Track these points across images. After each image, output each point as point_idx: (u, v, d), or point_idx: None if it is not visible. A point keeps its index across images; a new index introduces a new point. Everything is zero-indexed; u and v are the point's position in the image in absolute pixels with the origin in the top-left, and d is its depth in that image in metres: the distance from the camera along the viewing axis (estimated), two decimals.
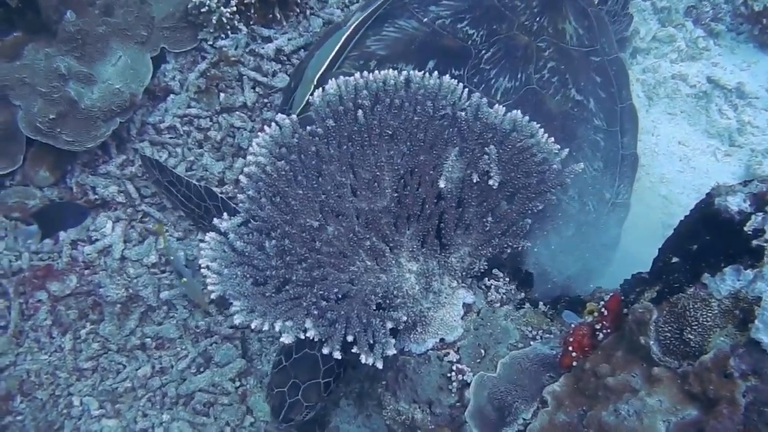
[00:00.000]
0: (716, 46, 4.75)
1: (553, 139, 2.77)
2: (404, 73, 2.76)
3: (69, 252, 3.95)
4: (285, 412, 3.01)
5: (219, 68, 4.26)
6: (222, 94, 4.26)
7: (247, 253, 2.53)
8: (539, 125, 2.89)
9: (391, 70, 2.76)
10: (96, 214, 4.08)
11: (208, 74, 4.24)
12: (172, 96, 4.28)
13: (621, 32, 4.42)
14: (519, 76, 3.43)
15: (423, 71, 3.04)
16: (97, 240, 4.02)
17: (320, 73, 3.41)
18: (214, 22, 4.20)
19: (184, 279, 3.75)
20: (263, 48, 4.31)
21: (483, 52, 3.47)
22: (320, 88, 2.71)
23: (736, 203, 2.20)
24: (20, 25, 3.89)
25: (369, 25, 3.61)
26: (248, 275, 2.52)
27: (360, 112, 2.68)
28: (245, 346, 3.91)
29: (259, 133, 2.68)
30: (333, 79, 2.72)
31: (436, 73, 2.78)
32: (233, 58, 4.25)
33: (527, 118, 2.74)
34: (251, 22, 4.35)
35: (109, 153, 4.15)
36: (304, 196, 2.62)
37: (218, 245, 2.55)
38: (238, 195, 2.64)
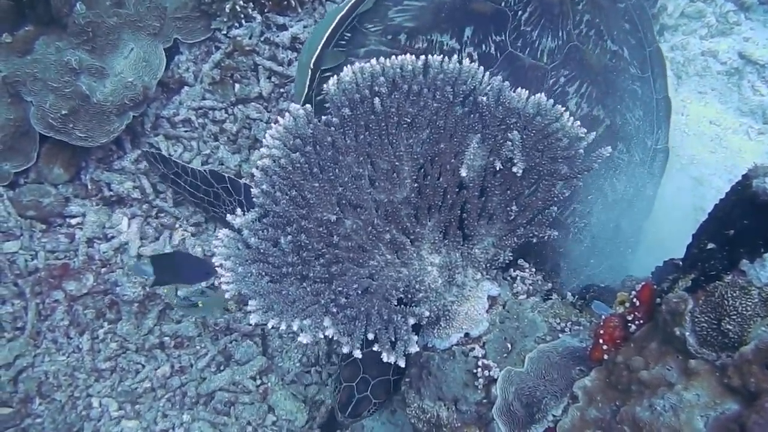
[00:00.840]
0: (747, 20, 4.57)
1: (579, 123, 2.64)
2: (422, 57, 2.65)
3: (85, 250, 3.90)
4: (353, 408, 2.96)
5: (233, 58, 4.18)
6: (237, 85, 4.19)
7: (262, 250, 2.44)
8: (585, 81, 3.03)
9: (408, 55, 2.64)
10: (112, 210, 4.02)
11: (223, 65, 4.17)
12: (186, 88, 4.21)
13: (648, 9, 4.28)
14: (560, 34, 3.26)
15: (461, 45, 3.12)
16: (113, 237, 3.97)
17: (316, 54, 3.21)
18: (227, 10, 4.11)
19: (200, 303, 3.53)
20: (278, 36, 4.22)
21: (520, 12, 3.26)
22: (334, 76, 2.61)
23: None
24: (31, 19, 3.82)
25: None
26: (264, 273, 2.43)
27: (377, 100, 2.57)
28: (265, 343, 3.84)
29: (272, 125, 2.59)
30: (348, 66, 2.61)
31: (455, 56, 2.66)
32: (248, 48, 4.16)
33: (552, 101, 2.62)
34: (265, 10, 4.26)
35: (123, 148, 4.09)
36: (320, 188, 2.52)
37: (232, 242, 2.46)
38: (253, 189, 2.55)
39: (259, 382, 3.75)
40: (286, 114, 2.57)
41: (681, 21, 4.48)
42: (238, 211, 2.53)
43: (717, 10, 4.47)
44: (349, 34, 3.33)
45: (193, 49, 4.26)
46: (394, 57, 2.63)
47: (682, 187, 3.88)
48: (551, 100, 2.62)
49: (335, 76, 2.60)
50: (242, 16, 4.17)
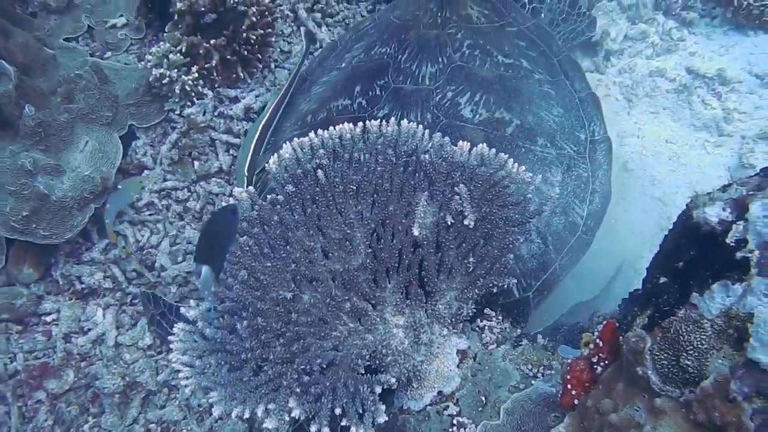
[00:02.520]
0: (691, 35, 4.64)
1: (524, 168, 2.67)
2: (360, 124, 2.68)
3: (63, 346, 3.89)
4: None
5: (190, 137, 4.20)
6: (196, 162, 4.21)
7: (219, 339, 2.44)
8: (478, 91, 3.38)
9: (346, 124, 2.68)
10: (85, 303, 4.01)
11: (180, 144, 4.19)
12: (146, 172, 4.23)
13: (583, 33, 4.40)
14: (440, 59, 3.57)
15: (352, 99, 3.51)
16: (89, 330, 3.95)
17: (247, 164, 3.57)
18: (177, 91, 4.16)
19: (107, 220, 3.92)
20: (231, 109, 4.28)
21: (399, 57, 3.64)
22: (274, 154, 2.63)
23: (715, 213, 2.09)
24: None
25: (299, 94, 4.02)
26: (223, 362, 2.43)
27: (320, 172, 2.60)
28: (251, 417, 3.81)
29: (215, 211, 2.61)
30: (287, 143, 2.64)
31: (393, 119, 2.70)
32: (202, 124, 4.19)
33: (494, 150, 2.65)
34: (216, 85, 4.32)
35: (90, 239, 4.10)
36: (273, 267, 2.53)
37: (188, 335, 2.46)
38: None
39: None
40: (230, 199, 2.59)
41: (625, 44, 4.54)
42: (192, 302, 2.53)
43: (660, 29, 4.53)
44: (273, 137, 3.83)
45: (149, 132, 4.29)
46: (331, 128, 2.67)
47: (646, 210, 3.91)
48: (493, 150, 2.65)
49: (275, 154, 2.63)
50: (193, 94, 4.22)
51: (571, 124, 3.53)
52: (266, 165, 2.66)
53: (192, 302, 2.54)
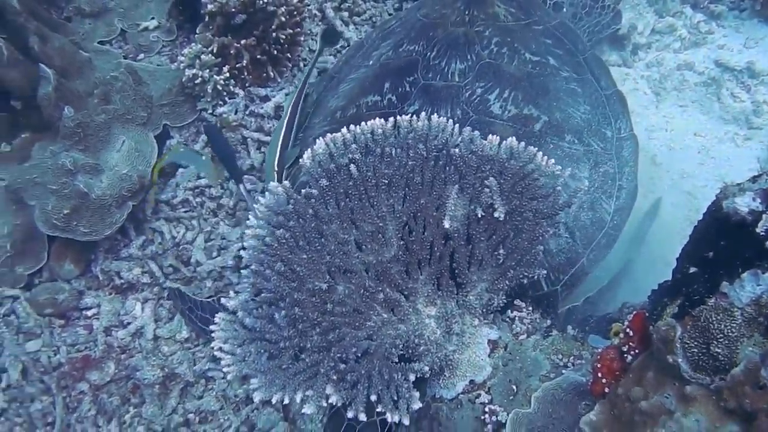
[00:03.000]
0: (720, 28, 4.63)
1: (553, 161, 2.71)
2: (391, 119, 2.74)
3: (104, 339, 4.00)
4: None
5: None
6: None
7: (258, 329, 2.52)
8: (506, 88, 3.42)
9: (377, 119, 2.74)
10: (124, 298, 4.12)
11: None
12: (181, 170, 4.33)
13: (608, 26, 4.43)
14: (468, 56, 3.59)
15: (381, 96, 3.59)
16: (129, 323, 4.06)
17: (276, 160, 3.67)
18: (209, 91, 4.25)
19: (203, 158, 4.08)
20: (262, 108, 4.36)
21: (428, 54, 3.66)
22: (308, 149, 2.70)
23: (745, 204, 2.12)
24: (26, 126, 3.98)
25: (327, 91, 4.09)
26: (262, 350, 2.50)
27: (353, 167, 2.67)
28: (287, 408, 3.89)
29: (254, 205, 2.68)
30: (320, 138, 2.71)
31: (423, 114, 2.75)
32: (234, 123, 4.28)
33: (523, 144, 2.69)
34: (247, 85, 4.40)
35: (128, 236, 4.20)
36: (308, 259, 2.60)
37: (228, 325, 2.54)
38: (241, 270, 2.64)
39: None
40: (266, 193, 2.66)
41: (653, 38, 4.54)
42: (231, 293, 2.61)
43: (687, 22, 4.53)
44: (302, 133, 3.90)
45: (182, 131, 4.38)
46: (363, 123, 2.73)
47: (675, 203, 3.92)
48: (522, 143, 2.69)
49: (309, 150, 2.70)
50: (225, 93, 4.31)
51: (597, 121, 3.56)
52: (300, 160, 2.73)
53: (232, 293, 2.62)
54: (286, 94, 4.38)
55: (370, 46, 4.14)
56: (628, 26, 4.49)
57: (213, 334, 2.53)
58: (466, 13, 3.78)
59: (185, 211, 4.29)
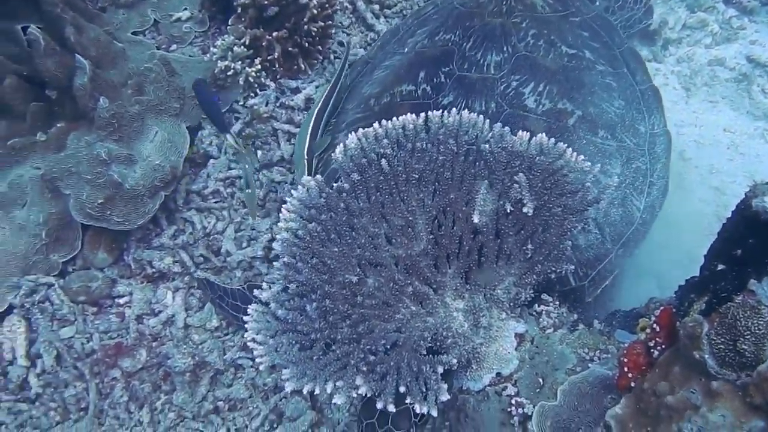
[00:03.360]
0: (752, 23, 4.61)
1: (582, 157, 2.73)
2: (422, 115, 2.77)
3: (136, 327, 4.06)
4: None
5: (253, 126, 4.35)
6: (259, 152, 4.35)
7: (290, 320, 2.57)
8: (541, 81, 3.45)
9: (409, 114, 2.77)
10: (156, 286, 4.19)
11: (243, 134, 4.33)
12: (212, 161, 4.38)
13: (640, 21, 4.42)
14: (505, 48, 3.59)
15: (416, 86, 3.59)
16: (160, 312, 4.13)
17: (306, 146, 3.70)
18: (241, 82, 4.30)
19: (248, 190, 3.96)
20: (293, 100, 4.40)
21: (464, 44, 3.66)
22: (341, 144, 2.74)
23: None
24: (61, 116, 4.06)
25: (361, 77, 4.11)
26: (294, 341, 2.56)
27: (384, 161, 2.70)
28: (314, 397, 3.95)
29: (287, 198, 2.73)
30: (352, 133, 2.75)
31: (454, 110, 2.78)
32: (265, 115, 4.33)
33: (553, 140, 2.71)
34: (278, 77, 4.44)
35: (160, 225, 4.27)
36: (339, 253, 2.65)
37: (261, 316, 2.60)
38: (274, 263, 2.69)
39: None
40: (299, 187, 2.71)
41: (684, 33, 4.53)
42: (264, 285, 2.66)
43: (719, 17, 4.51)
44: (335, 119, 3.92)
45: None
46: (395, 118, 2.77)
47: (704, 198, 3.92)
48: (552, 139, 2.72)
49: (341, 144, 2.74)
50: (256, 85, 4.36)
51: (631, 116, 3.57)
52: (332, 153, 2.77)
53: (264, 285, 2.67)
54: (317, 87, 4.42)
55: (406, 33, 4.16)
56: (660, 21, 4.48)
57: (246, 325, 2.59)
58: (504, 2, 3.78)
59: (216, 202, 4.35)
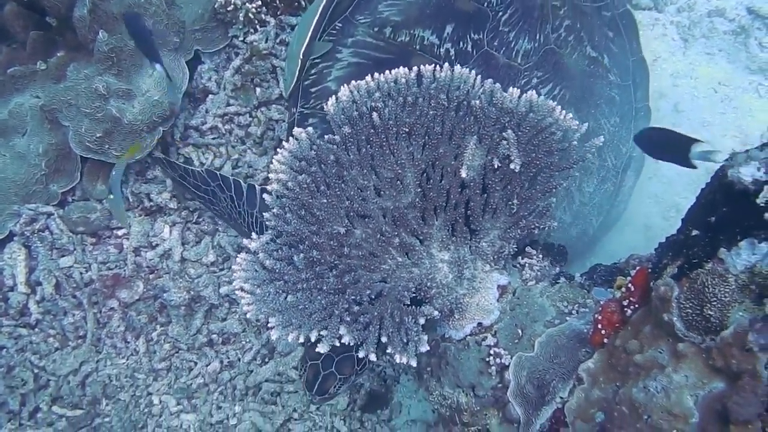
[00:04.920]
0: None
1: (570, 115, 2.78)
2: (414, 69, 2.81)
3: (133, 259, 4.16)
4: (319, 385, 2.99)
5: (252, 63, 4.34)
6: (258, 89, 4.35)
7: (277, 270, 2.65)
8: (559, 84, 3.32)
9: (401, 68, 2.80)
10: (153, 220, 4.27)
11: (243, 70, 4.33)
12: (210, 96, 4.39)
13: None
14: (537, 36, 3.47)
15: (440, 41, 3.37)
16: (157, 245, 4.22)
17: (304, 45, 3.47)
18: (241, 18, 4.28)
19: (111, 196, 3.96)
20: (292, 36, 4.37)
21: (500, 13, 3.46)
22: (333, 96, 2.78)
23: (749, 173, 2.18)
24: (61, 45, 4.07)
25: None
26: (281, 290, 2.65)
27: (375, 115, 2.75)
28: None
29: (277, 150, 2.78)
30: (344, 86, 2.78)
31: (446, 65, 2.81)
32: (265, 52, 4.32)
33: (543, 97, 2.76)
34: (278, 13, 4.40)
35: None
36: (328, 204, 2.72)
37: (250, 265, 2.68)
38: (265, 214, 2.76)
39: (301, 371, 3.96)
40: (290, 138, 2.76)
41: None
42: (254, 235, 2.74)
43: None
44: (340, 25, 3.56)
45: (214, 57, 4.43)
46: (387, 72, 2.80)
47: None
48: (542, 97, 2.76)
49: (333, 97, 2.78)
50: (256, 21, 4.33)
51: (620, 135, 3.59)
52: (324, 105, 2.80)
53: (254, 235, 2.75)
54: None
55: None
56: None
57: (234, 275, 2.68)
58: None
59: (213, 138, 4.39)
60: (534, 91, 2.78)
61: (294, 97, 3.41)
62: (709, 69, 4.21)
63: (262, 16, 4.33)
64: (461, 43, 3.41)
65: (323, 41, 3.54)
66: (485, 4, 3.46)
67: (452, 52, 3.40)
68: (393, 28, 3.48)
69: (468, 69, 3.04)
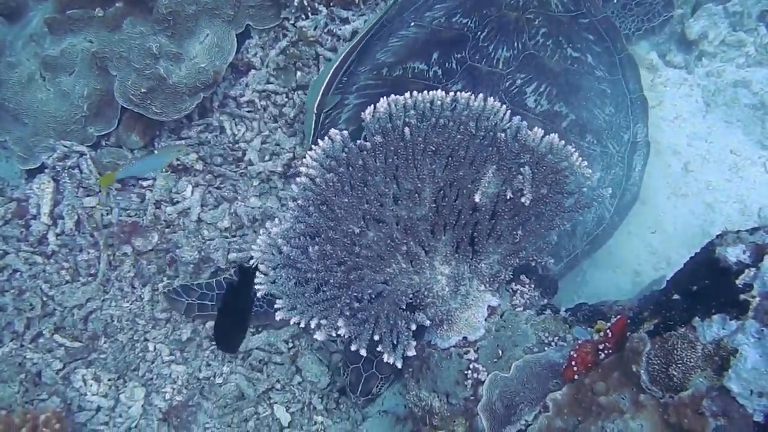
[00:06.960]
0: None
1: (586, 163, 2.99)
2: (451, 94, 3.01)
3: (153, 211, 4.35)
4: (363, 386, 3.37)
5: (298, 47, 4.51)
6: (299, 73, 4.53)
7: (292, 257, 2.86)
8: (544, 82, 3.64)
9: (439, 91, 3.01)
10: (178, 178, 4.46)
11: (288, 52, 4.50)
12: (253, 71, 4.57)
13: (660, 14, 4.67)
14: (515, 45, 3.73)
15: (428, 66, 3.73)
16: (177, 202, 4.40)
17: (317, 101, 3.86)
18: (296, 3, 4.43)
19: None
20: (341, 29, 4.50)
21: (479, 33, 3.78)
22: (371, 105, 2.98)
23: (734, 254, 2.39)
24: None
25: (376, 40, 4.13)
26: (291, 276, 2.86)
27: (407, 130, 2.95)
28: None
29: (312, 146, 2.98)
30: (384, 98, 2.99)
31: (481, 95, 3.01)
32: (311, 38, 4.48)
33: (563, 142, 2.96)
34: (331, 3, 4.55)
35: (192, 120, 4.52)
36: (348, 204, 2.93)
37: (268, 248, 2.90)
38: (290, 203, 2.97)
39: (291, 345, 4.14)
40: (326, 138, 2.97)
41: (720, 48, 4.61)
42: (276, 220, 2.96)
43: (758, 41, 4.58)
44: (346, 78, 4.00)
45: (262, 34, 4.60)
46: (426, 92, 3.00)
47: (694, 211, 4.14)
48: (563, 141, 2.96)
49: (372, 106, 2.99)
50: (309, 8, 4.49)
51: (618, 123, 3.78)
52: (362, 114, 3.01)
53: (276, 220, 2.95)
54: (365, 21, 4.53)
55: (423, 4, 4.17)
56: (701, 33, 4.55)
57: (253, 253, 2.90)
58: None
59: (249, 111, 4.57)
60: (557, 135, 2.98)
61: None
62: (725, 136, 4.37)
63: (316, 4, 4.49)
64: (446, 64, 3.74)
65: (332, 95, 3.95)
66: (465, 29, 3.83)
67: (440, 72, 3.72)
68: (389, 68, 3.87)
69: (454, 82, 3.58)
